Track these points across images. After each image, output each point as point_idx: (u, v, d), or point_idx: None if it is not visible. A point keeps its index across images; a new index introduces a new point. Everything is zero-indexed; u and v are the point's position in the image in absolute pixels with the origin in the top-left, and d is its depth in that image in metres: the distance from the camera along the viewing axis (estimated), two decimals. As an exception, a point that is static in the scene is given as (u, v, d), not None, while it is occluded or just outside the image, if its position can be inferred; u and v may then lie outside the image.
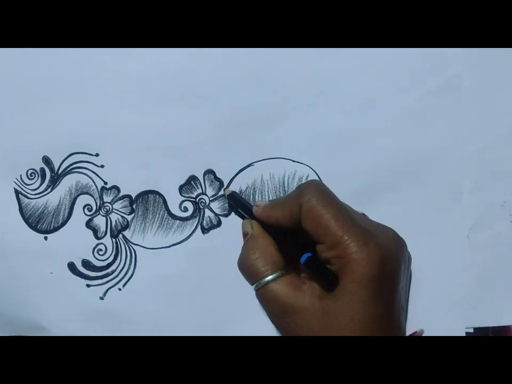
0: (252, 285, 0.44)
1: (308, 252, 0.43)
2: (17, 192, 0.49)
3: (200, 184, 0.49)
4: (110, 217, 0.49)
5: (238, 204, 0.48)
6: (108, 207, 0.49)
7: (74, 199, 0.49)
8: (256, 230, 0.45)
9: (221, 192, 0.49)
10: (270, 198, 0.49)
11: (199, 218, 0.49)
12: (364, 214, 0.46)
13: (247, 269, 0.44)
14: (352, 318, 0.40)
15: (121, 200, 0.49)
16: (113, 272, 0.49)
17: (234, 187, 0.49)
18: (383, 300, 0.41)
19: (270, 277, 0.43)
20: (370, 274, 0.40)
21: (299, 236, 0.43)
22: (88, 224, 0.49)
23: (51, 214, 0.49)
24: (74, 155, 0.49)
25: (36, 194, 0.49)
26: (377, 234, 0.42)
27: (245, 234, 0.46)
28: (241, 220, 0.48)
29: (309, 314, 0.42)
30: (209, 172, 0.49)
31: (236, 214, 0.49)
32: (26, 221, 0.49)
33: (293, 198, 0.44)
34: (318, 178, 0.49)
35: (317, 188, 0.43)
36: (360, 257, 0.40)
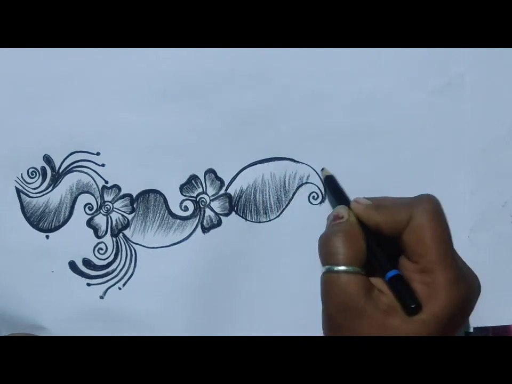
0: (323, 265, 0.42)
1: (392, 263, 0.42)
2: (18, 191, 0.50)
3: (201, 184, 0.49)
4: (110, 216, 0.49)
5: (334, 192, 0.47)
6: (108, 206, 0.49)
7: (75, 198, 0.50)
8: (353, 219, 0.43)
9: (222, 192, 0.49)
10: (271, 198, 0.49)
11: (199, 217, 0.49)
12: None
13: (329, 247, 0.42)
14: None
15: (122, 199, 0.50)
16: (113, 271, 0.49)
17: (235, 186, 0.49)
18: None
19: (346, 268, 0.40)
20: (450, 314, 0.39)
21: (391, 243, 0.42)
22: (89, 223, 0.50)
23: (52, 212, 0.49)
24: (75, 154, 0.49)
25: (37, 193, 0.50)
26: (467, 277, 0.41)
27: (336, 217, 0.44)
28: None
29: (368, 324, 0.40)
30: (210, 171, 0.49)
31: (329, 198, 0.48)
32: (28, 219, 0.49)
33: (404, 206, 0.42)
34: (319, 179, 0.49)
35: (433, 205, 0.41)
36: (448, 295, 0.39)
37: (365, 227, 0.43)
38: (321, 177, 0.49)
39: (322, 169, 0.49)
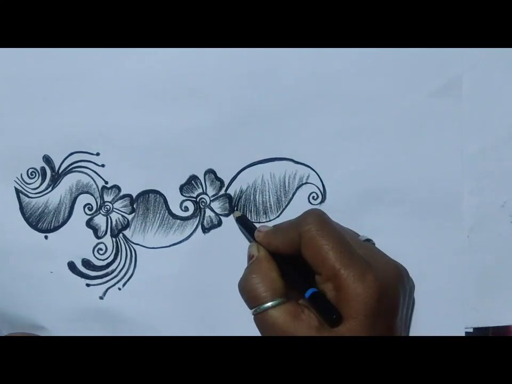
0: (250, 309, 0.43)
1: (310, 280, 0.42)
2: (17, 191, 0.49)
3: (201, 184, 0.49)
4: (110, 217, 0.49)
5: (244, 228, 0.48)
6: (108, 207, 0.49)
7: (75, 198, 0.50)
8: (262, 253, 0.45)
9: (222, 192, 0.50)
10: (271, 198, 0.49)
11: (199, 218, 0.49)
12: (368, 240, 0.46)
13: (248, 292, 0.44)
14: None
15: (122, 200, 0.49)
16: (113, 271, 0.49)
17: (235, 187, 0.49)
18: (379, 334, 0.41)
19: (269, 304, 0.42)
20: (366, 310, 0.40)
21: (303, 262, 0.43)
22: (89, 224, 0.49)
23: (51, 213, 0.49)
24: (75, 154, 0.49)
25: (36, 193, 0.49)
26: (376, 266, 0.41)
27: (250, 257, 0.46)
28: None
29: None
30: (210, 171, 0.49)
31: (245, 237, 0.49)
32: (26, 220, 0.49)
33: (294, 226, 0.43)
34: (319, 179, 0.49)
35: (317, 217, 0.43)
36: (356, 292, 0.40)
37: (276, 255, 0.45)
38: (234, 218, 0.49)
39: (234, 211, 0.49)
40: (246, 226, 0.48)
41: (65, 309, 0.49)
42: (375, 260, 0.42)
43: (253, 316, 0.43)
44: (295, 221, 0.44)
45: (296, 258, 0.43)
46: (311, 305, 0.42)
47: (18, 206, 0.49)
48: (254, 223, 0.49)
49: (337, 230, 0.43)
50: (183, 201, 0.49)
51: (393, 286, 0.42)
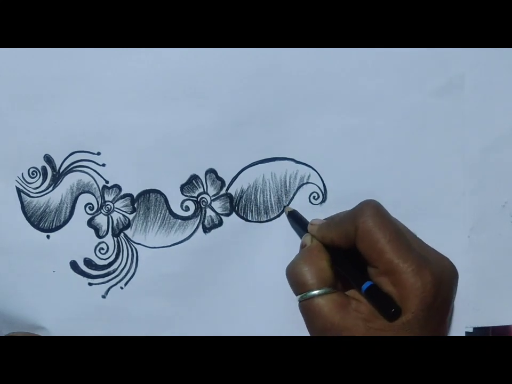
0: (296, 295, 0.44)
1: (364, 272, 0.42)
2: (19, 191, 0.50)
3: (202, 184, 0.49)
4: (111, 216, 0.50)
5: (297, 222, 0.48)
6: (109, 206, 0.50)
7: (76, 198, 0.50)
8: (314, 243, 0.45)
9: (223, 192, 0.50)
10: (272, 198, 0.49)
11: (200, 217, 0.49)
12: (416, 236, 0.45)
13: (295, 277, 0.44)
14: None
15: (123, 199, 0.50)
16: (115, 270, 0.49)
17: (236, 186, 0.49)
18: (431, 330, 0.40)
19: (316, 291, 0.42)
20: (423, 305, 0.40)
21: (357, 254, 0.43)
22: (90, 223, 0.50)
23: (53, 212, 0.49)
24: (76, 154, 0.49)
25: (37, 192, 0.50)
26: (432, 261, 0.41)
27: (302, 246, 0.46)
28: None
29: (351, 335, 0.41)
30: (211, 171, 0.49)
31: (296, 232, 0.49)
32: (28, 219, 0.49)
33: (349, 218, 0.43)
34: (319, 179, 0.49)
35: (374, 209, 0.42)
36: (415, 287, 0.39)
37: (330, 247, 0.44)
38: (285, 214, 0.49)
39: (285, 207, 0.49)
40: (299, 221, 0.48)
41: (67, 308, 0.49)
42: (429, 255, 0.42)
43: (298, 303, 0.43)
44: (350, 212, 0.44)
45: (350, 250, 0.43)
46: (368, 299, 0.42)
47: (19, 206, 0.50)
48: (255, 223, 0.49)
49: (394, 223, 0.42)
50: (184, 200, 0.49)
51: (448, 282, 0.42)
